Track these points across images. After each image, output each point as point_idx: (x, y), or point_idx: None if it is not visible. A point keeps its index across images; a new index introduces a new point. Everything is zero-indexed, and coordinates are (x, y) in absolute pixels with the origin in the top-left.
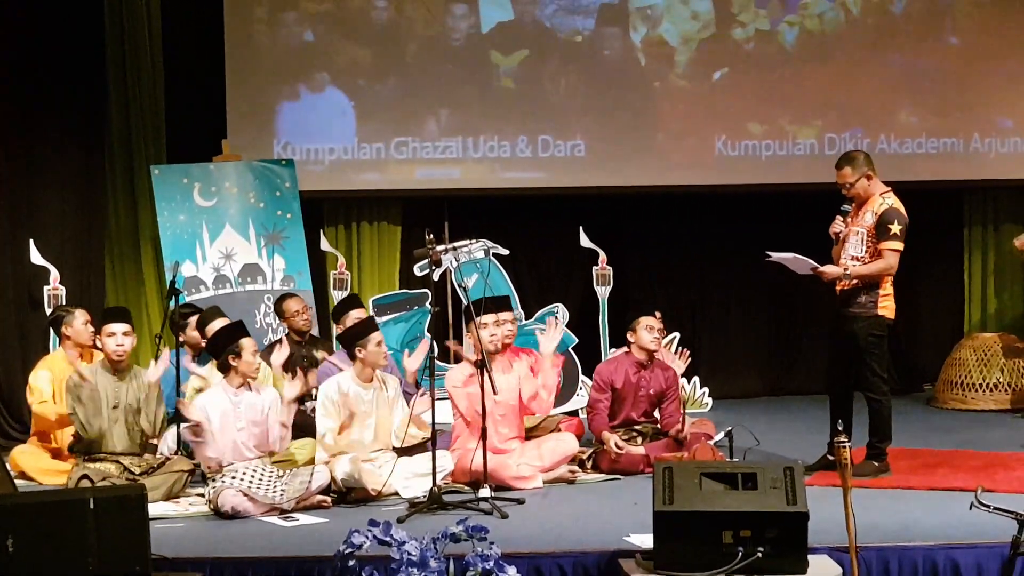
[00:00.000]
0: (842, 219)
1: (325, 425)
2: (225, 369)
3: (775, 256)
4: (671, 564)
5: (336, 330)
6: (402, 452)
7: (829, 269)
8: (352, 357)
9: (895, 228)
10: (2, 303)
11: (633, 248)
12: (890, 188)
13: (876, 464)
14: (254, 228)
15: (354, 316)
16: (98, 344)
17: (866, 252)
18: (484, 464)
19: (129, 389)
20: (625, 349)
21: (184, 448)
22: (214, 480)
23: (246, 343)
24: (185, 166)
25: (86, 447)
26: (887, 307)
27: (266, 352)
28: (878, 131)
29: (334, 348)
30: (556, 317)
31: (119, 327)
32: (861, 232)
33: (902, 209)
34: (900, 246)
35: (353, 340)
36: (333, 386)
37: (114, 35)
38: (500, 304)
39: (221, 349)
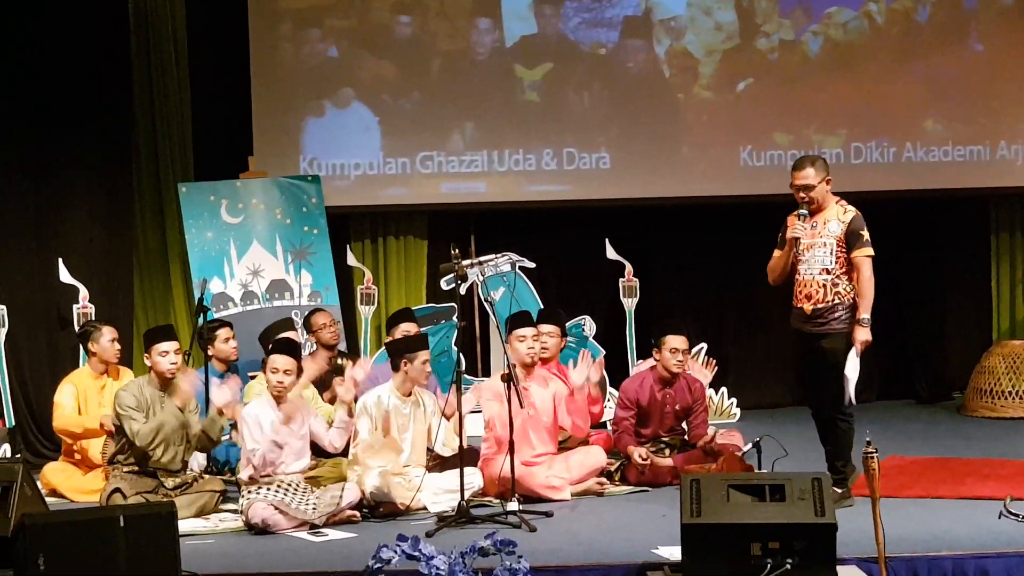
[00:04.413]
0: (801, 223)
1: (363, 427)
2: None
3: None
4: None
5: (387, 339)
6: (432, 467)
7: (861, 336)
8: (396, 368)
9: (866, 234)
10: (32, 323)
11: (659, 259)
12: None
13: (839, 491)
14: (281, 244)
15: (403, 329)
16: (146, 361)
17: (836, 264)
18: (512, 478)
19: (173, 405)
20: (651, 363)
21: (215, 465)
22: (246, 493)
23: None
24: (212, 183)
25: (138, 456)
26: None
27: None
28: (904, 140)
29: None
30: (586, 351)
31: (171, 345)
32: (830, 243)
33: None
34: (872, 252)
35: (402, 352)
36: (373, 398)
37: (140, 54)
38: (545, 317)
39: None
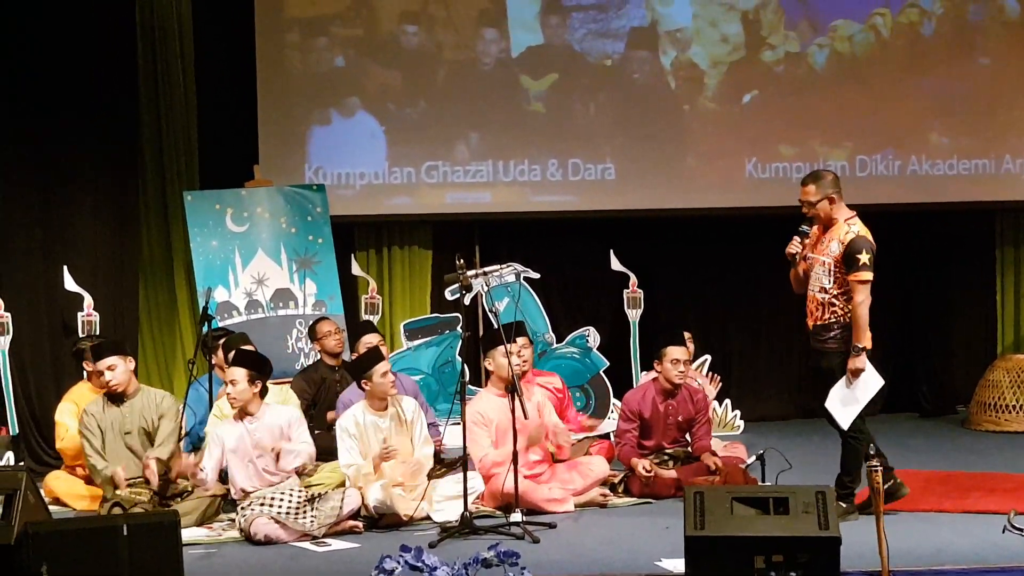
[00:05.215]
0: (800, 240)
1: (347, 459)
2: None
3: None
4: None
5: (352, 356)
6: (433, 474)
7: (851, 364)
8: (361, 389)
9: (863, 258)
10: (36, 330)
11: (664, 271)
12: (855, 213)
13: (844, 505)
14: (286, 253)
15: (365, 342)
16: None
17: (834, 284)
18: (516, 488)
19: (140, 413)
20: (653, 375)
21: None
22: (244, 508)
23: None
24: (217, 192)
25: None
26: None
27: (299, 376)
28: (909, 153)
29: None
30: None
31: (100, 364)
32: (828, 262)
33: (869, 236)
34: (870, 276)
35: (358, 373)
36: (349, 420)
37: (147, 62)
38: (516, 331)
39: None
